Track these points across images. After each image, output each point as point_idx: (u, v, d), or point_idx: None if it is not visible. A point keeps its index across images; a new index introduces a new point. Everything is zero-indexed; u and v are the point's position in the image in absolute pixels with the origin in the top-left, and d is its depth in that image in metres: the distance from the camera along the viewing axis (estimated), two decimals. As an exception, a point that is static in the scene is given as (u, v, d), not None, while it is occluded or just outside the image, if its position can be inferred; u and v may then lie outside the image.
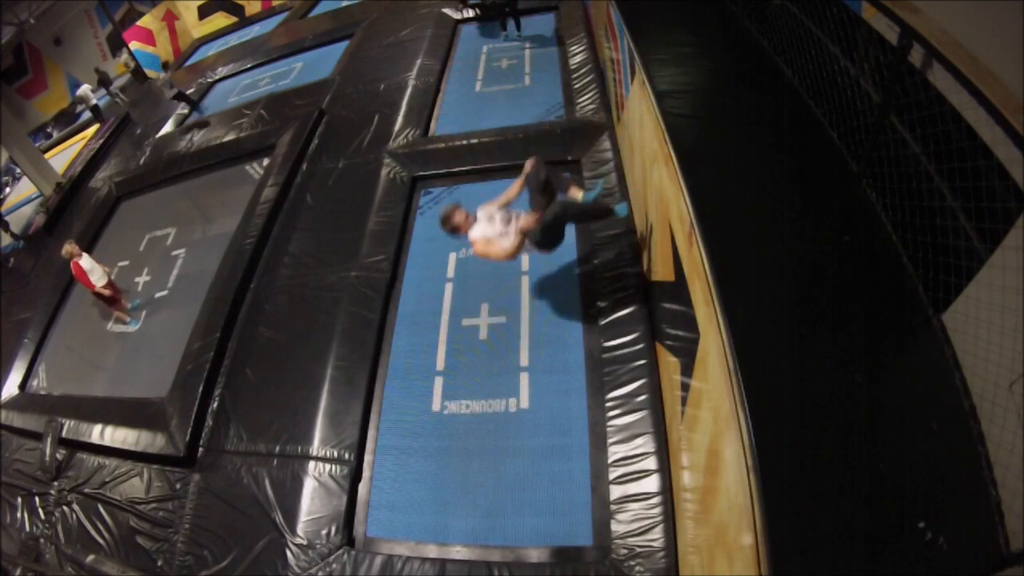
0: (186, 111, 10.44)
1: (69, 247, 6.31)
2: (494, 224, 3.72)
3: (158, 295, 6.68)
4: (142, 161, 9.40)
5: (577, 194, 3.93)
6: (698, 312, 2.58)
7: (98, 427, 4.98)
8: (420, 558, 3.47)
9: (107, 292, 6.39)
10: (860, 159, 2.81)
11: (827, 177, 2.90)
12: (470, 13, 9.32)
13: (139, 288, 6.89)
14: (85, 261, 6.29)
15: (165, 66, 12.15)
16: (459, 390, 4.31)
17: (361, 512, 3.86)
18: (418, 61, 8.24)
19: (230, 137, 8.56)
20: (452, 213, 3.75)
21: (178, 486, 4.38)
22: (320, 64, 9.90)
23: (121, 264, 7.34)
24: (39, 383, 6.45)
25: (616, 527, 3.29)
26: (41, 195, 10.64)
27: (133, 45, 14.16)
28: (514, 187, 3.90)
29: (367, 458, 4.11)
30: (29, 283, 8.40)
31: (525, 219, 3.70)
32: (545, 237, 3.68)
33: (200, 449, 4.53)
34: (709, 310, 2.29)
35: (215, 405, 4.78)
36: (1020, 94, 1.76)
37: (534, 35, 8.57)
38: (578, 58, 7.36)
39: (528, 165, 3.84)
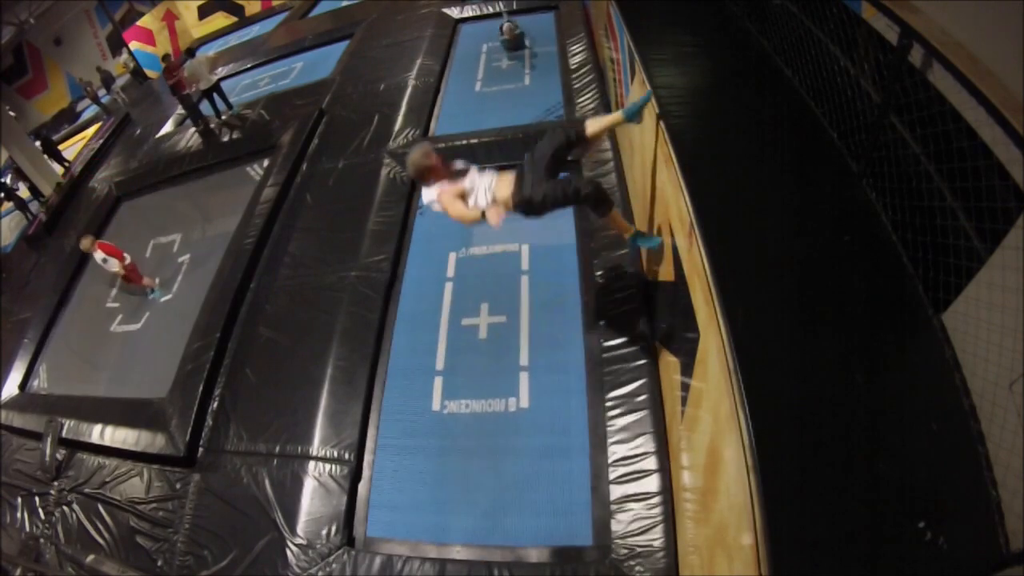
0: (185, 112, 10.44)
1: (86, 242, 6.59)
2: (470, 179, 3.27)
3: (163, 300, 6.70)
4: (142, 161, 9.40)
5: (606, 119, 3.29)
6: (698, 312, 2.58)
7: (98, 427, 4.98)
8: (420, 558, 3.47)
9: (126, 275, 6.65)
10: (860, 159, 2.81)
11: (827, 177, 2.90)
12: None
13: (148, 296, 6.91)
14: (98, 255, 6.55)
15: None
16: (459, 390, 4.31)
17: (361, 512, 3.86)
18: (418, 61, 8.23)
19: (230, 137, 8.57)
20: (426, 157, 3.23)
21: (178, 486, 4.38)
22: (320, 64, 9.90)
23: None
24: (39, 383, 6.46)
25: (616, 527, 3.29)
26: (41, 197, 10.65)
27: (133, 45, 14.18)
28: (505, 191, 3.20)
29: (367, 458, 4.11)
30: (29, 283, 8.39)
31: (502, 186, 3.21)
32: (529, 211, 3.21)
33: (200, 449, 4.53)
34: (709, 310, 2.29)
35: (215, 405, 4.78)
36: (1020, 94, 1.77)
37: (534, 35, 8.57)
38: (578, 58, 7.36)
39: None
